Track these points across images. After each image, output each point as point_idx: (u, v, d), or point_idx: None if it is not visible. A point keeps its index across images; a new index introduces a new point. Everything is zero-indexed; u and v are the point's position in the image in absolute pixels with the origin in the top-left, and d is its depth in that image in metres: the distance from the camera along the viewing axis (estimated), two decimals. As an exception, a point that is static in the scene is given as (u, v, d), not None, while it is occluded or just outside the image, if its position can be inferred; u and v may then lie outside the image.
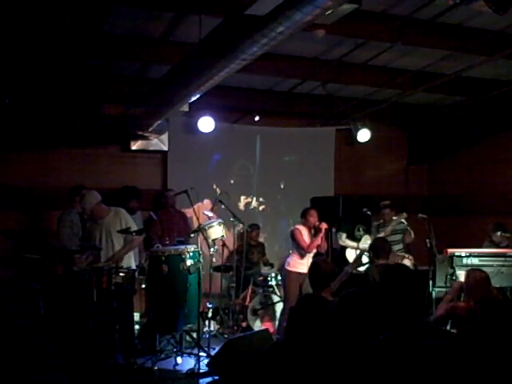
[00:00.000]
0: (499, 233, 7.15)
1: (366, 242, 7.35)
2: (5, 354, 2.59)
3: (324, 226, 6.64)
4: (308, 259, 6.57)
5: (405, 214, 7.29)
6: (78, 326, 4.74)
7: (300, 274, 6.53)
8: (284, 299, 6.87)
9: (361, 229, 7.53)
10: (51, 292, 5.61)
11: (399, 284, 2.94)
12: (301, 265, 6.57)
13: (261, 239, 8.51)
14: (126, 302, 5.85)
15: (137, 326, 6.74)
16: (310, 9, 3.50)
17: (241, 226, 7.60)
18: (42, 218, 7.69)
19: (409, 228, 7.32)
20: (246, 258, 7.66)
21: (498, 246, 7.24)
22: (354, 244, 7.41)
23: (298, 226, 6.84)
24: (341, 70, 6.73)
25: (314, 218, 6.71)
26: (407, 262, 7.00)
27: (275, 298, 7.40)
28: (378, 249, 5.65)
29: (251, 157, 8.93)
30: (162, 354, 5.86)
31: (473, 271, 5.41)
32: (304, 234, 6.70)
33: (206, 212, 6.93)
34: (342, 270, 7.24)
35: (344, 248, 7.59)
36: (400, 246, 7.28)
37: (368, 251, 6.59)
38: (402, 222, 7.40)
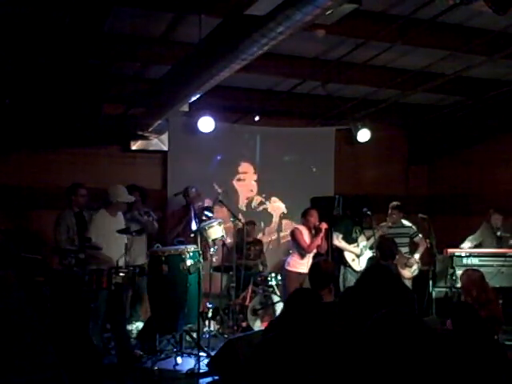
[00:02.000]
0: (497, 215, 7.17)
1: (361, 242, 7.35)
2: (7, 355, 2.60)
3: (324, 226, 6.65)
4: (308, 259, 6.58)
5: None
6: (76, 326, 4.74)
7: (300, 273, 6.53)
8: (284, 299, 6.87)
9: (357, 230, 7.52)
10: (51, 292, 5.61)
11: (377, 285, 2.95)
12: (301, 265, 6.58)
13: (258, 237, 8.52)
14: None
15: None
16: (310, 9, 3.50)
17: (240, 225, 7.60)
18: (42, 217, 7.68)
19: (420, 235, 7.28)
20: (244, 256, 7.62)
21: (494, 233, 7.23)
22: (349, 247, 7.40)
23: (298, 226, 6.84)
24: (341, 70, 6.73)
25: (314, 218, 6.71)
26: (414, 266, 6.99)
27: (275, 298, 7.39)
28: (385, 249, 5.61)
29: (251, 157, 8.94)
30: (162, 354, 5.86)
31: (467, 271, 5.44)
32: (304, 234, 6.70)
33: (205, 212, 6.93)
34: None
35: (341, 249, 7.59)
36: (406, 249, 7.24)
37: (374, 251, 6.58)
38: (411, 227, 7.38)
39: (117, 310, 5.76)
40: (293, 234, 6.79)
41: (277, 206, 9.08)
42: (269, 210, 9.06)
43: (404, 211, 7.42)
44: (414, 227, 7.39)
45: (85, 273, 5.54)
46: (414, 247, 7.34)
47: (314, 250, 6.70)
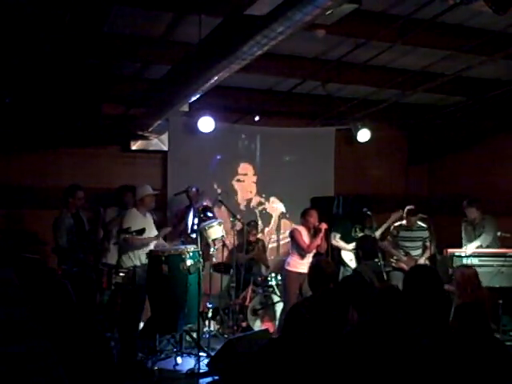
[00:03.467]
0: (473, 208, 7.07)
1: None
2: (6, 356, 2.60)
3: (324, 226, 6.64)
4: (308, 259, 6.57)
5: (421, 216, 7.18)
6: (84, 325, 4.73)
7: (300, 273, 6.53)
8: (284, 299, 6.87)
9: (358, 229, 7.51)
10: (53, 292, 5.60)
11: (424, 285, 2.96)
12: (301, 265, 6.57)
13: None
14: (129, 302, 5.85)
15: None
16: (310, 9, 3.50)
17: (240, 225, 7.60)
18: (42, 217, 7.68)
19: (430, 241, 7.16)
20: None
21: (472, 227, 7.15)
22: (347, 246, 7.41)
23: (297, 227, 6.84)
24: (341, 70, 6.72)
25: (313, 218, 6.71)
26: None
27: (275, 298, 7.40)
28: (367, 249, 5.61)
29: (251, 157, 8.94)
30: (162, 354, 5.86)
31: (461, 268, 5.41)
32: (304, 235, 6.70)
33: (205, 212, 6.93)
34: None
35: (339, 248, 7.60)
36: (417, 252, 7.17)
37: (356, 249, 6.56)
38: (425, 230, 7.24)
39: (126, 310, 5.76)
40: (292, 234, 6.79)
41: (276, 207, 9.08)
42: (268, 211, 9.07)
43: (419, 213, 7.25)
44: (427, 231, 7.22)
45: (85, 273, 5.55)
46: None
47: (314, 250, 6.70)
